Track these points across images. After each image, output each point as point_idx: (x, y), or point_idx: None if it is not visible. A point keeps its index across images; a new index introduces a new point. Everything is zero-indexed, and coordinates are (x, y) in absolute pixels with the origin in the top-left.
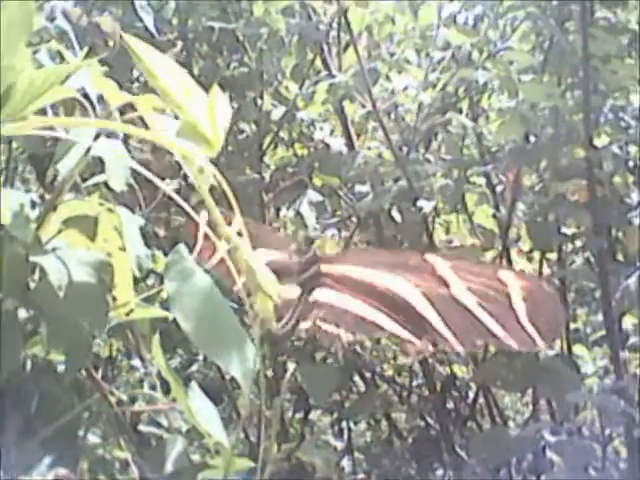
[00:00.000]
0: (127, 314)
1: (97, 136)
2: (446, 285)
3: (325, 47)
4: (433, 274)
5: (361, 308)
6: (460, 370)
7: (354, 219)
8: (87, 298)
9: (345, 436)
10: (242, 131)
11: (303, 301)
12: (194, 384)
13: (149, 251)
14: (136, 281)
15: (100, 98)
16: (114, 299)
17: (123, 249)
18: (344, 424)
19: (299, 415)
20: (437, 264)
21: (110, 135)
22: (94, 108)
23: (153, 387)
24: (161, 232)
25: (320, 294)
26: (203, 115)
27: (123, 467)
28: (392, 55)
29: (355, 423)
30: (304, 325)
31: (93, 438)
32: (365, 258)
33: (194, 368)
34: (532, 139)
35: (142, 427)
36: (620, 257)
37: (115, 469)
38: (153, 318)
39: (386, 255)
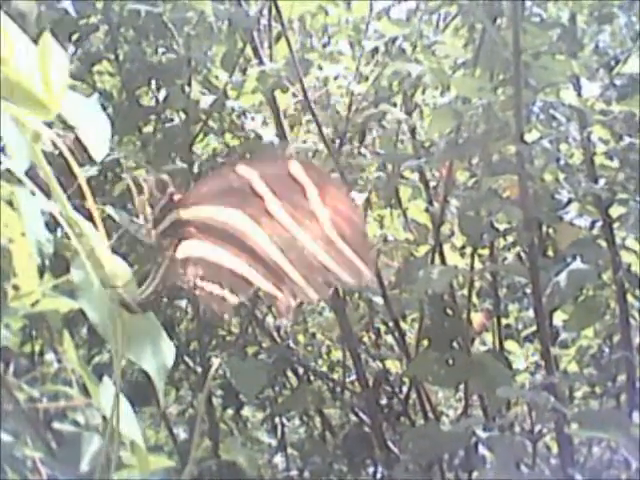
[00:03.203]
0: (33, 304)
1: None
2: (264, 204)
3: (256, 36)
4: (253, 194)
5: (230, 259)
6: (393, 365)
7: None
8: None
9: (278, 432)
10: (170, 119)
11: (166, 259)
12: (107, 379)
13: (50, 235)
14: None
15: None
16: (16, 288)
17: (25, 234)
18: (277, 420)
19: (231, 411)
20: (252, 180)
21: None
22: None
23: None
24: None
25: (191, 247)
26: (32, 71)
27: (35, 466)
28: (325, 46)
29: (288, 419)
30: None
31: (4, 436)
32: (207, 192)
33: (123, 363)
34: (465, 134)
35: (57, 424)
36: (551, 253)
37: (27, 468)
38: (69, 310)
39: (217, 180)
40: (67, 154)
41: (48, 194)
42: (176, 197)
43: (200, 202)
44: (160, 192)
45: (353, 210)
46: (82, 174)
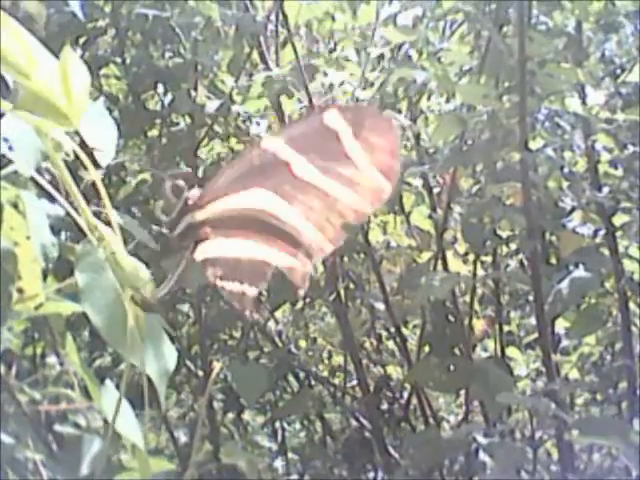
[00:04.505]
0: (37, 308)
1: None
2: (289, 169)
3: (263, 41)
4: (277, 164)
5: (246, 248)
6: (394, 370)
7: None
8: None
9: (278, 437)
10: (176, 123)
11: (184, 262)
12: (108, 382)
13: (55, 239)
14: (56, 273)
15: None
16: (20, 291)
17: (30, 238)
18: (277, 424)
19: (232, 415)
20: (275, 145)
21: None
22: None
23: (73, 385)
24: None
25: (207, 248)
26: (53, 83)
27: (36, 468)
28: (331, 52)
29: (289, 424)
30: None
31: (6, 438)
32: (225, 183)
33: (124, 367)
34: (469, 141)
35: (58, 427)
36: (553, 261)
37: (28, 470)
38: (71, 314)
39: (236, 167)
40: (86, 161)
41: (52, 198)
42: (190, 202)
43: (215, 197)
44: (176, 197)
45: (386, 135)
46: (98, 176)
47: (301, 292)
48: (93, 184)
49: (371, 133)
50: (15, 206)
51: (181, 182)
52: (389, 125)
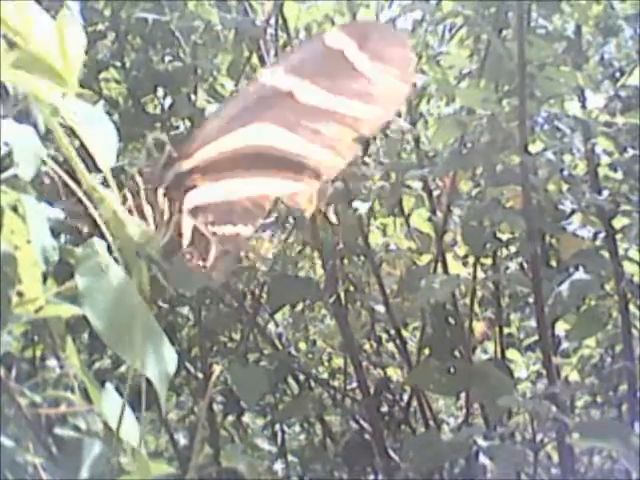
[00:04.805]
0: (37, 311)
1: None
2: (293, 97)
3: (262, 44)
4: (279, 95)
5: (240, 188)
6: (395, 373)
7: (291, 219)
8: None
9: (278, 439)
10: (176, 127)
11: (174, 211)
12: (109, 385)
13: (56, 243)
14: (56, 276)
15: None
16: (21, 294)
17: (30, 241)
18: (277, 427)
19: (232, 418)
20: (275, 77)
21: (22, 120)
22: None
23: (73, 388)
24: (85, 228)
25: (197, 196)
26: (49, 44)
27: (36, 471)
28: None
29: (289, 426)
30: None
31: (5, 441)
32: (218, 125)
33: (123, 369)
34: (469, 145)
35: (58, 430)
36: (553, 263)
37: (28, 473)
38: (70, 316)
39: (232, 106)
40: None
41: (51, 202)
42: (175, 154)
43: (204, 143)
44: (159, 151)
45: (393, 42)
46: (88, 141)
47: (307, 213)
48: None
49: (378, 43)
50: (15, 210)
51: (164, 136)
52: (395, 33)
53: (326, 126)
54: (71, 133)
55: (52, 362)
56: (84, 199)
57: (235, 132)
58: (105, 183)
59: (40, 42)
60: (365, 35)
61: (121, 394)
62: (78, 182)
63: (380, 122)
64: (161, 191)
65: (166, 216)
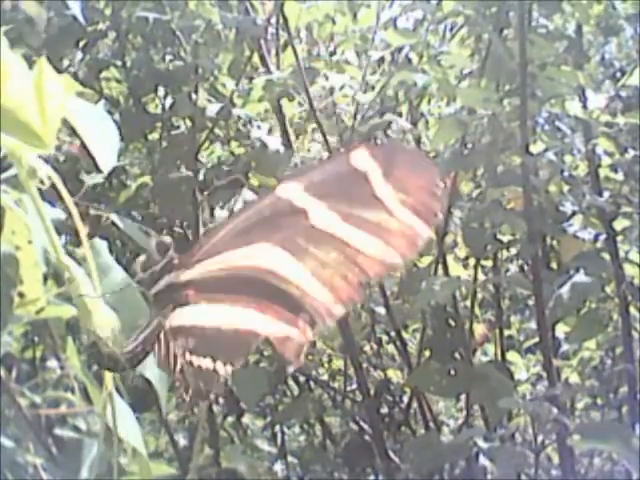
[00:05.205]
0: (37, 312)
1: None
2: (306, 217)
3: (263, 44)
4: (292, 212)
5: (231, 316)
6: (395, 374)
7: None
8: None
9: (278, 440)
10: (177, 127)
11: (153, 324)
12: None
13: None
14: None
15: None
16: (21, 295)
17: (31, 242)
18: (277, 428)
19: (232, 419)
20: (292, 192)
21: None
22: None
23: (73, 389)
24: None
25: (185, 314)
26: (27, 100)
27: (37, 472)
28: (332, 55)
29: (289, 427)
30: (174, 361)
31: (6, 441)
32: (225, 237)
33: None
34: (470, 145)
35: (58, 430)
36: (554, 265)
37: (28, 474)
38: (71, 317)
39: (243, 218)
40: (60, 186)
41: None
42: (176, 261)
43: (207, 255)
44: (161, 254)
45: (422, 173)
46: (69, 201)
47: (293, 367)
48: (94, 187)
49: (405, 171)
50: (15, 208)
51: (168, 239)
52: (426, 161)
53: (335, 260)
54: (72, 133)
55: (52, 363)
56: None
57: (241, 249)
58: (105, 183)
59: (17, 97)
60: (392, 160)
61: (121, 395)
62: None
63: (389, 268)
64: (151, 297)
65: (147, 325)
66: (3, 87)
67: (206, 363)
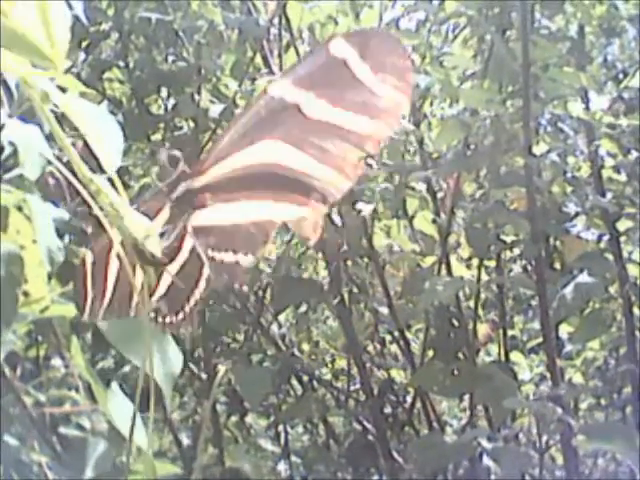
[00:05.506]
0: (42, 311)
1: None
2: (299, 110)
3: (266, 45)
4: (286, 108)
5: (248, 211)
6: (398, 374)
7: None
8: None
9: (282, 440)
10: (179, 127)
11: (176, 229)
12: (115, 385)
13: (61, 243)
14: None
15: None
16: (26, 294)
17: (36, 241)
18: (281, 428)
19: (235, 418)
20: (283, 89)
21: (27, 120)
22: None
23: (77, 388)
24: (89, 228)
25: (202, 217)
26: (33, 21)
27: (42, 470)
28: None
29: (292, 427)
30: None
31: (11, 440)
32: (229, 142)
33: (127, 369)
34: (473, 146)
35: (63, 429)
36: (557, 265)
37: (33, 472)
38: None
39: (243, 122)
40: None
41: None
42: (188, 171)
43: (217, 160)
44: (173, 167)
45: (394, 51)
46: (82, 124)
47: (312, 242)
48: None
49: (379, 52)
50: (19, 209)
51: (177, 152)
52: (396, 41)
53: (332, 144)
54: (76, 134)
55: (57, 361)
56: (88, 199)
57: (246, 149)
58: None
59: (23, 19)
60: (367, 44)
61: (125, 394)
62: (82, 183)
63: (383, 138)
64: (169, 204)
65: (171, 229)
66: (10, 13)
67: (228, 257)
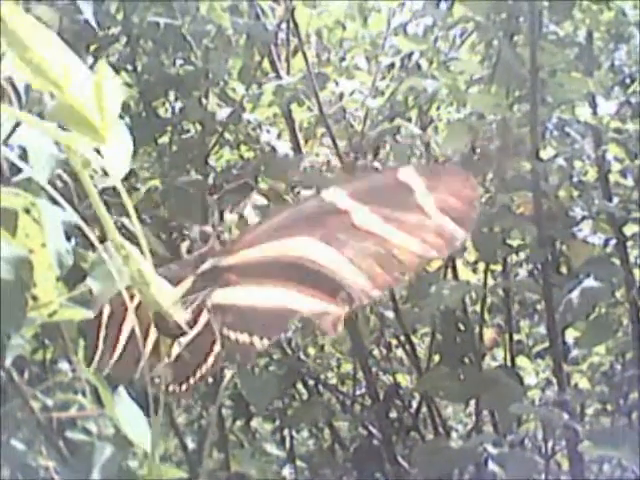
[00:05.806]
0: (50, 315)
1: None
2: (348, 218)
3: (274, 49)
4: (335, 212)
5: (270, 296)
6: (404, 379)
7: None
8: (3, 296)
9: (287, 444)
10: (187, 131)
11: (197, 300)
12: (121, 389)
13: (70, 247)
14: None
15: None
16: (35, 298)
17: (45, 245)
18: (286, 432)
19: (240, 423)
20: (336, 196)
21: None
22: (19, 97)
23: (84, 392)
24: (96, 231)
25: (223, 295)
26: (87, 96)
27: (48, 474)
28: (342, 60)
29: (297, 431)
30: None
31: (18, 444)
32: (267, 230)
33: None
34: (479, 150)
35: (70, 434)
36: (564, 270)
37: (39, 476)
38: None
39: (286, 215)
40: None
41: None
42: (217, 248)
43: (250, 244)
44: (203, 242)
45: (462, 186)
46: (122, 190)
47: (330, 336)
48: (103, 191)
49: (447, 186)
50: (27, 211)
51: (209, 229)
52: (466, 178)
53: (373, 252)
54: None
55: (64, 365)
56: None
57: (282, 240)
58: (115, 188)
59: (78, 94)
60: (437, 177)
61: (132, 398)
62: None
63: (425, 261)
64: (192, 277)
65: (189, 301)
66: (67, 86)
67: (243, 337)
